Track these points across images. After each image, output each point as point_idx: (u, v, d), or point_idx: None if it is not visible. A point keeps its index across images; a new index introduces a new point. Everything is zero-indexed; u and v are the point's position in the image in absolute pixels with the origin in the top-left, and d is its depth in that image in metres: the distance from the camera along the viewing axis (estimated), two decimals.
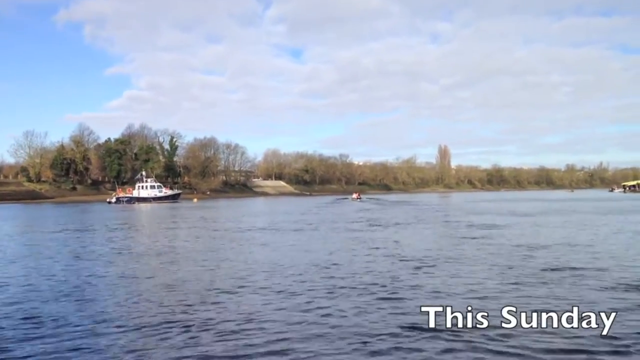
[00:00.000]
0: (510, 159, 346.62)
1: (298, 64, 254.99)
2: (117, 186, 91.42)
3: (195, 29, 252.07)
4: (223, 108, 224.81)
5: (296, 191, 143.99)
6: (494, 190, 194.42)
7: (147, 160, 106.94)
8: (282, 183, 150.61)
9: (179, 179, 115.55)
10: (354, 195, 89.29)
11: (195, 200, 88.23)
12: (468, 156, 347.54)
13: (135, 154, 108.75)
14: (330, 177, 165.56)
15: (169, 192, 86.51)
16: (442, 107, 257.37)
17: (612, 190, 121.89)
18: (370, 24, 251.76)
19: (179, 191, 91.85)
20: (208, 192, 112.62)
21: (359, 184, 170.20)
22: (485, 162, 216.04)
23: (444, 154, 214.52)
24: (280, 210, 47.11)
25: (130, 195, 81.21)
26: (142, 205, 71.59)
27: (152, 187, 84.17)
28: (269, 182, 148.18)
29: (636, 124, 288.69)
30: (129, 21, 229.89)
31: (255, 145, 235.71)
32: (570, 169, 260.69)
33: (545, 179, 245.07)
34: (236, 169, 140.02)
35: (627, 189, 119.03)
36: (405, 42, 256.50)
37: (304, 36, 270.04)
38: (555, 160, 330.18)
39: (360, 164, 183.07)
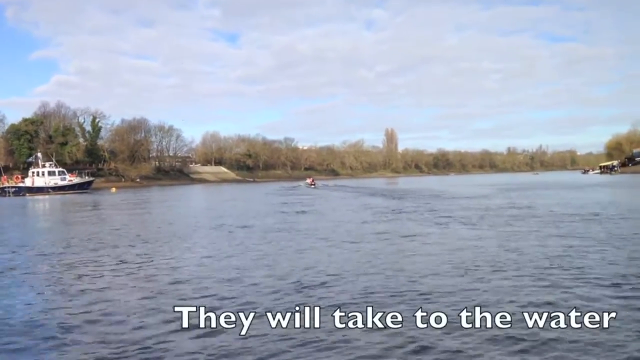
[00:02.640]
0: (444, 144, 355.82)
1: (234, 49, 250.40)
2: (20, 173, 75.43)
3: (125, 12, 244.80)
4: (157, 93, 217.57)
5: (238, 177, 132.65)
6: (441, 175, 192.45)
7: (64, 144, 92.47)
8: (222, 169, 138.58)
9: (103, 164, 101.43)
10: (308, 181, 79.48)
11: (113, 189, 72.45)
12: (404, 141, 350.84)
13: (50, 136, 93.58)
14: (274, 163, 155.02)
15: (76, 179, 69.70)
16: (378, 93, 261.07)
17: (585, 172, 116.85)
18: (304, 9, 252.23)
19: (90, 179, 74.16)
20: (138, 180, 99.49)
21: (305, 169, 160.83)
22: (421, 147, 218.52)
23: (390, 137, 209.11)
24: (228, 203, 35.91)
25: (20, 185, 64.42)
26: (36, 197, 57.11)
27: (52, 173, 67.09)
28: (208, 168, 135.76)
29: (562, 110, 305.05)
30: (53, 3, 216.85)
31: (192, 131, 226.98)
32: (512, 152, 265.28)
33: (488, 162, 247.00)
34: (171, 153, 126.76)
35: (604, 169, 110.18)
36: (340, 29, 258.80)
37: (239, 21, 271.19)
38: (488, 145, 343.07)
39: (306, 148, 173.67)
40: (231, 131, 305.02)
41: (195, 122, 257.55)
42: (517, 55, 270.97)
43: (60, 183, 66.38)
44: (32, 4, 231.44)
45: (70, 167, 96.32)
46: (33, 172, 67.22)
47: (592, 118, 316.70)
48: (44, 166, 68.10)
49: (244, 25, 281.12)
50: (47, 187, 64.52)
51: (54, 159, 72.15)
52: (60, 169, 69.48)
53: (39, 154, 71.48)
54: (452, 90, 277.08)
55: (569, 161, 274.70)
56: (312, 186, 72.98)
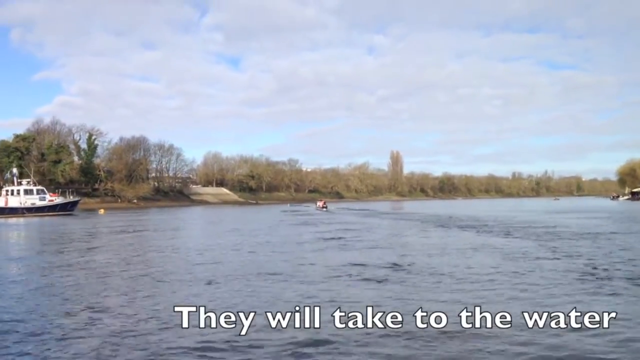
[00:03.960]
0: (445, 169, 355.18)
1: (236, 72, 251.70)
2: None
3: (128, 34, 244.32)
4: (159, 115, 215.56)
5: (241, 199, 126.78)
6: (447, 199, 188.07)
7: (57, 162, 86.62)
8: (224, 190, 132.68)
9: (99, 184, 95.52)
10: (319, 204, 73.63)
11: (102, 211, 65.38)
12: (407, 165, 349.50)
13: (42, 154, 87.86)
14: (278, 184, 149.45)
15: (58, 199, 61.01)
16: (379, 117, 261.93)
17: (615, 198, 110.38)
18: (307, 34, 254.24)
19: (75, 199, 66.00)
20: (135, 201, 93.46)
21: (310, 191, 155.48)
22: (424, 171, 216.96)
23: (396, 160, 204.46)
24: (232, 237, 28.86)
25: None
26: (9, 219, 49.02)
27: (28, 192, 58.31)
28: (210, 189, 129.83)
29: (562, 136, 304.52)
30: (59, 24, 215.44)
31: (193, 153, 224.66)
32: (517, 177, 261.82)
33: (494, 187, 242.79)
34: (171, 174, 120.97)
35: (635, 196, 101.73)
36: (342, 54, 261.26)
37: (242, 45, 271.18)
38: (489, 170, 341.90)
39: (310, 170, 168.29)
40: (234, 152, 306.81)
41: (197, 143, 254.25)
42: (517, 82, 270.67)
43: (39, 203, 58.07)
44: (37, 25, 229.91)
45: (64, 187, 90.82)
46: (7, 191, 58.85)
47: (593, 145, 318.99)
48: (20, 183, 59.90)
49: (246, 49, 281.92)
50: (22, 208, 56.28)
51: (31, 177, 63.59)
52: (40, 188, 61.24)
53: (15, 170, 63.40)
54: (454, 115, 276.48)
55: (574, 187, 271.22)
56: (324, 209, 67.47)
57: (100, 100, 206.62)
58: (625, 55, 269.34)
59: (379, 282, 11.12)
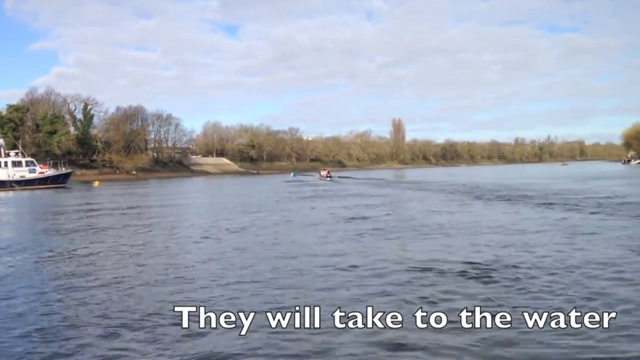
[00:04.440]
0: (444, 135, 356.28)
1: (233, 40, 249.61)
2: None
3: (122, 3, 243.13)
4: (156, 85, 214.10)
5: (241, 169, 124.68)
6: (450, 166, 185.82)
7: (52, 133, 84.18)
8: (225, 160, 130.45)
9: (96, 155, 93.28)
10: (323, 173, 70.51)
11: (96, 183, 60.95)
12: (407, 132, 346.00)
13: (37, 125, 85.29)
14: (279, 154, 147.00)
15: (49, 171, 58.09)
16: (379, 84, 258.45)
17: (626, 162, 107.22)
18: (303, 0, 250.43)
19: (67, 170, 62.54)
20: (134, 172, 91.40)
21: (311, 160, 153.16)
22: (424, 138, 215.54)
23: (397, 128, 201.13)
24: (234, 210, 24.62)
25: None
26: None
27: (17, 164, 55.49)
28: (210, 160, 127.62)
29: (562, 101, 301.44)
30: None
31: (192, 123, 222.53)
32: (519, 143, 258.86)
33: (497, 153, 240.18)
34: (170, 144, 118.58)
35: None
36: (340, 20, 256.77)
37: (238, 12, 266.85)
38: (488, 136, 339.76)
39: (311, 139, 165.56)
40: (232, 122, 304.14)
41: (195, 114, 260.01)
42: (517, 46, 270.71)
43: (28, 176, 55.25)
44: None
45: (60, 159, 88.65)
46: None
47: (593, 109, 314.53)
48: (7, 155, 56.82)
49: (242, 16, 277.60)
50: (11, 181, 53.76)
51: (19, 147, 60.43)
52: (29, 159, 58.42)
53: (1, 141, 60.15)
54: (453, 81, 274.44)
55: (577, 152, 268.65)
56: (328, 179, 65.04)
57: (96, 71, 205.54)
58: (626, 18, 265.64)
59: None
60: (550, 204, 20.44)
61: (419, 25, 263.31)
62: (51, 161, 65.79)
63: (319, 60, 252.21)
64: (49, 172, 58.24)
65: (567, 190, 28.83)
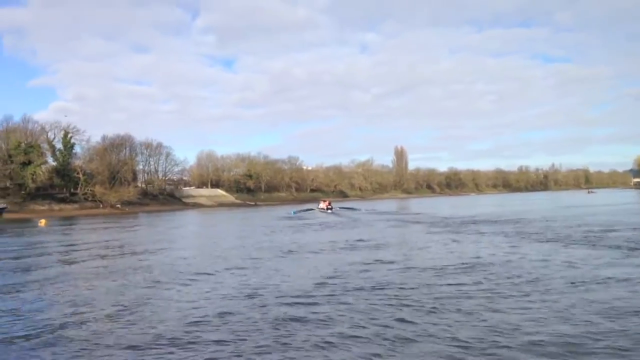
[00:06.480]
0: (442, 165, 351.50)
1: (230, 74, 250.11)
2: None
3: (118, 38, 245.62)
4: (154, 119, 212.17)
5: (238, 201, 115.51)
6: (454, 195, 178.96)
7: (26, 163, 75.20)
8: (220, 192, 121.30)
9: (77, 188, 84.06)
10: (323, 205, 62.16)
11: (42, 222, 47.15)
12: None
13: (10, 155, 76.36)
14: (277, 184, 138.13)
15: None
16: (375, 115, 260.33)
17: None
18: (299, 34, 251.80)
19: (2, 206, 53.14)
20: (118, 206, 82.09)
21: (312, 190, 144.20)
22: (424, 167, 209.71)
23: (400, 156, 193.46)
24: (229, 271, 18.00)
25: None
26: None
27: None
28: (204, 191, 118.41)
29: (558, 130, 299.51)
30: (49, 31, 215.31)
31: (189, 156, 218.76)
32: (524, 171, 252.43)
33: (502, 181, 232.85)
34: (160, 175, 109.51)
35: None
36: (335, 53, 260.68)
37: (234, 46, 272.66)
38: (485, 165, 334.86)
39: (311, 169, 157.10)
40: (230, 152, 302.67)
41: (193, 147, 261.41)
42: (511, 77, 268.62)
43: None
44: (29, 32, 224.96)
45: (36, 192, 79.56)
46: None
47: (589, 137, 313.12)
48: None
49: (239, 50, 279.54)
50: None
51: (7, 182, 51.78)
52: None
53: None
54: (448, 111, 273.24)
55: (582, 180, 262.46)
56: (329, 211, 57.05)
57: (95, 105, 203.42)
58: (615, 47, 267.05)
59: None
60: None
61: (412, 57, 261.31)
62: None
63: (316, 92, 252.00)
64: None
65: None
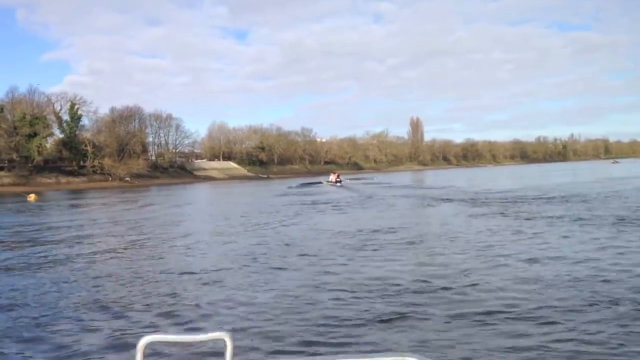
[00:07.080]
0: (458, 136, 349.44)
1: (243, 46, 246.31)
2: None
3: (131, 11, 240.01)
4: (167, 92, 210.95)
5: (250, 174, 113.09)
6: (471, 166, 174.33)
7: (32, 135, 73.10)
8: (232, 164, 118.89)
9: (86, 160, 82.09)
10: (332, 178, 59.08)
11: (31, 197, 42.49)
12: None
13: (15, 127, 74.25)
14: (290, 156, 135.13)
15: None
16: (390, 86, 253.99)
17: None
18: (311, 5, 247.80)
19: None
20: (127, 179, 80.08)
21: (326, 162, 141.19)
22: (440, 138, 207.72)
23: (416, 127, 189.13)
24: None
25: None
26: None
27: None
28: (215, 164, 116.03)
29: (576, 99, 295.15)
30: (62, 4, 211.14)
31: (201, 129, 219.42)
32: (542, 141, 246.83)
33: (519, 152, 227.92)
34: (170, 147, 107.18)
35: None
36: (348, 23, 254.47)
37: (247, 18, 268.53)
38: (502, 136, 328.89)
39: (325, 140, 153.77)
40: (242, 124, 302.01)
41: (207, 119, 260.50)
42: (528, 45, 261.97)
43: None
44: (40, 5, 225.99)
45: (43, 165, 77.72)
46: None
47: (610, 106, 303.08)
48: None
49: (251, 22, 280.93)
50: None
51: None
52: None
53: None
54: (464, 82, 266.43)
55: (602, 150, 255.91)
56: (338, 184, 54.45)
57: (108, 79, 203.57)
58: (635, 15, 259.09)
59: None
60: None
61: (428, 27, 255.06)
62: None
63: (329, 63, 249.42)
64: None
65: None
